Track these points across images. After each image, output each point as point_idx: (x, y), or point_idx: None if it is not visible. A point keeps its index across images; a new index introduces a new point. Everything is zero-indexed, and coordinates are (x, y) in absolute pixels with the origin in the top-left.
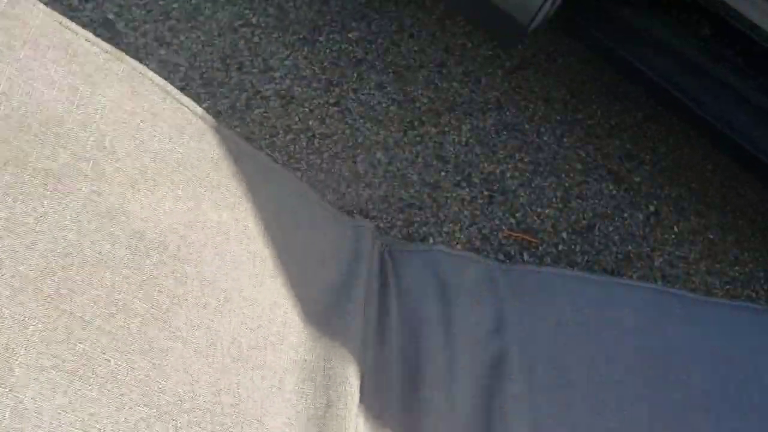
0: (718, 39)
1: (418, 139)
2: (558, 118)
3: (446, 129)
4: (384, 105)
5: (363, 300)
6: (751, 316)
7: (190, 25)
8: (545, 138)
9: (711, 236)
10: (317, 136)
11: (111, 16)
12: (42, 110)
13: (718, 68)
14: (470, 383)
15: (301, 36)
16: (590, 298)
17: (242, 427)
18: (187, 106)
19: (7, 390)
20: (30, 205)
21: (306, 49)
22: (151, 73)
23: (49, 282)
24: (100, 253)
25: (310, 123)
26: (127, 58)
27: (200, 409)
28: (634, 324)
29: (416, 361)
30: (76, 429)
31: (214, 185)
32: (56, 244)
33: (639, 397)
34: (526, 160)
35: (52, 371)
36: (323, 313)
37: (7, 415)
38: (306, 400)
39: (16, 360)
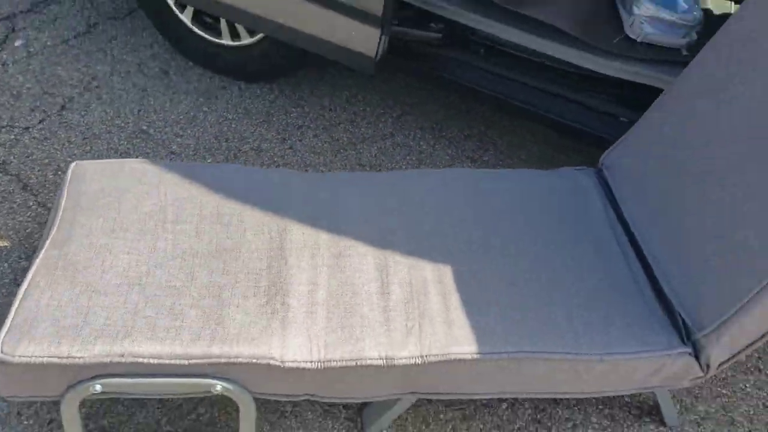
0: (491, 54)
1: (344, 158)
2: (429, 137)
3: (361, 151)
4: (319, 144)
5: None
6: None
7: (192, 125)
8: (423, 147)
9: None
10: (280, 165)
11: (144, 128)
12: None
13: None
14: None
15: (260, 120)
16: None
17: None
18: None
19: None
20: None
21: (265, 125)
22: None
23: None
24: None
25: (275, 159)
26: None
27: None
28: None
29: None
30: None
31: None
32: None
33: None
34: (413, 159)
35: None
36: None
37: None
38: None
39: None
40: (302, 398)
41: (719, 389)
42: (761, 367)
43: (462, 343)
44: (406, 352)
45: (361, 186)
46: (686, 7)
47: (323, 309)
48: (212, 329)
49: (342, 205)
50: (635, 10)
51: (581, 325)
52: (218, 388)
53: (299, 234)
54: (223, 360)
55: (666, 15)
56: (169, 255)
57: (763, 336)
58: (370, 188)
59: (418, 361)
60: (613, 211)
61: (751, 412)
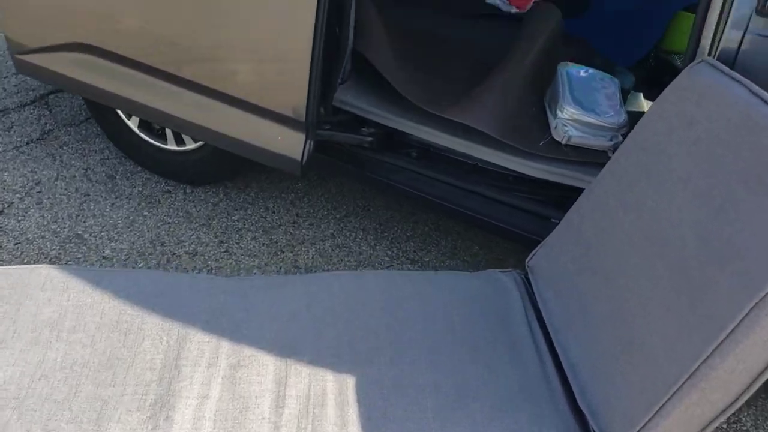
0: (423, 157)
1: (280, 260)
2: (371, 237)
3: (299, 253)
4: (257, 247)
5: None
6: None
7: (129, 229)
8: (363, 248)
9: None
10: (213, 269)
11: (80, 232)
12: None
13: (430, 173)
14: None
15: (200, 223)
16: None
17: None
18: None
19: None
20: None
21: (204, 228)
22: None
23: None
24: None
25: (209, 263)
26: None
27: None
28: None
29: None
30: None
31: None
32: None
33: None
34: (351, 260)
35: None
36: None
37: None
38: None
39: None
40: None
41: None
42: None
43: None
44: None
45: (272, 291)
46: (610, 111)
47: (209, 424)
48: None
49: (250, 310)
50: (559, 113)
51: None
52: None
53: (199, 342)
54: None
55: (590, 119)
56: (58, 366)
57: None
58: (281, 293)
59: None
60: (534, 314)
61: None
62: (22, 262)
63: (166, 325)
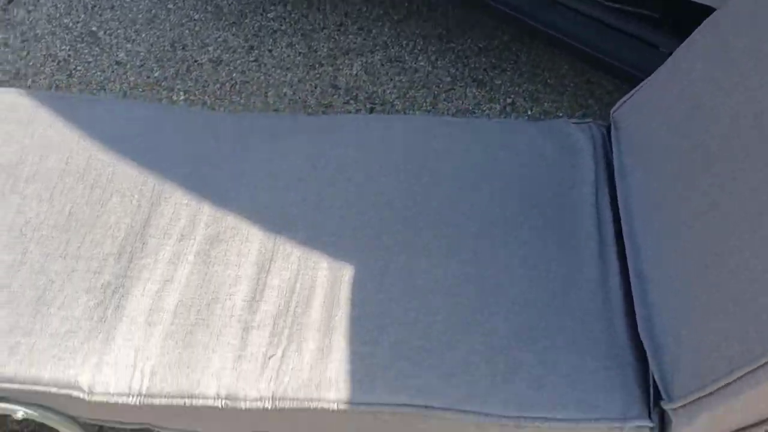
0: None
1: (317, 76)
2: (433, 49)
3: (341, 67)
4: (291, 57)
5: None
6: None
7: (149, 26)
8: (421, 63)
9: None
10: (238, 83)
11: (94, 29)
12: None
13: None
14: None
15: (230, 21)
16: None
17: None
18: None
19: None
20: None
21: (234, 28)
22: None
23: None
24: None
25: (234, 76)
26: None
27: None
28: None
29: None
30: None
31: None
32: None
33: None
34: (403, 80)
35: None
36: None
37: None
38: None
39: None
40: (140, 427)
41: None
42: None
43: (329, 388)
44: (255, 392)
45: (276, 139)
46: None
47: (167, 318)
48: (17, 339)
49: (244, 164)
50: None
51: (502, 371)
52: (19, 414)
53: (175, 205)
54: (15, 386)
55: None
56: (6, 226)
57: (757, 424)
58: (286, 143)
59: (268, 405)
60: (607, 188)
61: None
62: (28, 66)
63: (140, 178)
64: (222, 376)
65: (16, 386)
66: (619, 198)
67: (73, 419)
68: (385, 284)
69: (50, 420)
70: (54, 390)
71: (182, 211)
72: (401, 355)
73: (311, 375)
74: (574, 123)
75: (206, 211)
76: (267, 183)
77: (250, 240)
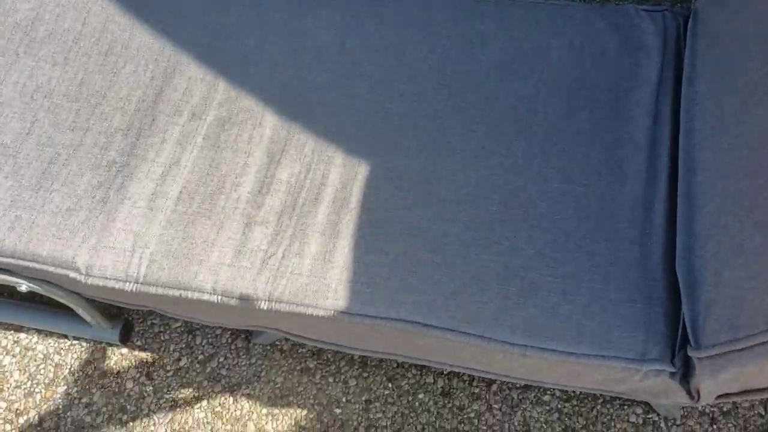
0: None
1: None
2: None
3: None
4: None
5: None
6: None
7: None
8: None
9: None
10: None
11: None
12: None
13: None
14: None
15: None
16: None
17: None
18: None
19: None
20: None
21: None
22: None
23: None
24: None
25: None
26: None
27: None
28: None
29: None
30: None
31: None
32: None
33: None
34: None
35: None
36: None
37: None
38: None
39: None
40: (144, 308)
41: None
42: None
43: (326, 295)
44: (251, 291)
45: (303, 14)
46: None
47: (169, 205)
48: (17, 213)
49: (265, 40)
50: None
51: (515, 293)
52: (23, 288)
53: (189, 79)
54: (14, 260)
55: None
56: (17, 91)
57: None
58: (314, 17)
59: (264, 305)
60: (671, 96)
61: None
62: None
63: (156, 47)
64: (219, 271)
65: (15, 261)
66: (681, 107)
67: (78, 295)
68: (401, 188)
69: (55, 294)
70: (51, 269)
71: (196, 86)
72: (406, 268)
73: (309, 280)
74: (645, 10)
75: (221, 88)
76: (289, 61)
77: (263, 125)
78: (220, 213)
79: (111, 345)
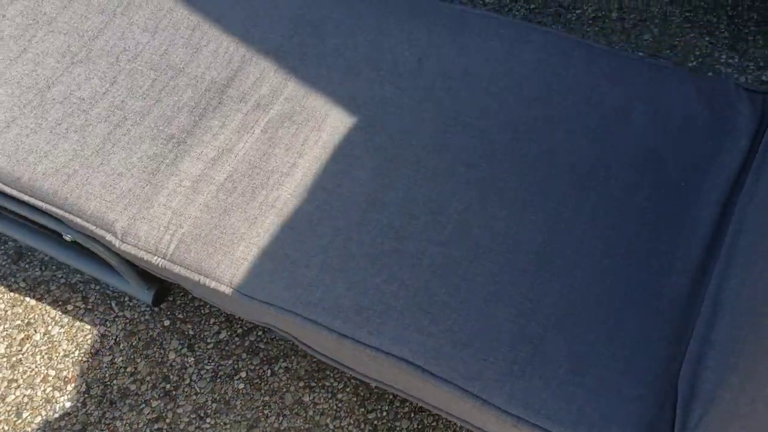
0: None
1: None
2: None
3: None
4: None
5: None
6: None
7: None
8: None
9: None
10: None
11: None
12: None
13: None
14: None
15: None
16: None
17: None
18: None
19: None
20: None
21: None
22: None
23: None
24: None
25: None
26: None
27: None
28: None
29: None
30: None
31: None
32: None
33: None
34: None
35: None
36: None
37: None
38: None
39: None
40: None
41: None
42: None
43: (336, 314)
44: (266, 295)
45: (396, 16)
46: None
47: (212, 190)
48: (75, 168)
49: (350, 40)
50: None
51: (522, 360)
52: (68, 237)
53: (263, 69)
54: (62, 212)
55: None
56: (105, 51)
57: None
58: (407, 23)
59: (273, 311)
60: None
61: None
62: None
63: (241, 30)
64: (241, 266)
65: (62, 212)
66: (740, 196)
67: (117, 254)
68: (439, 222)
69: (95, 249)
70: (92, 228)
71: (268, 77)
72: (422, 306)
73: (324, 296)
74: (746, 89)
75: (291, 84)
76: (363, 69)
77: (321, 128)
78: (256, 209)
79: (153, 314)
